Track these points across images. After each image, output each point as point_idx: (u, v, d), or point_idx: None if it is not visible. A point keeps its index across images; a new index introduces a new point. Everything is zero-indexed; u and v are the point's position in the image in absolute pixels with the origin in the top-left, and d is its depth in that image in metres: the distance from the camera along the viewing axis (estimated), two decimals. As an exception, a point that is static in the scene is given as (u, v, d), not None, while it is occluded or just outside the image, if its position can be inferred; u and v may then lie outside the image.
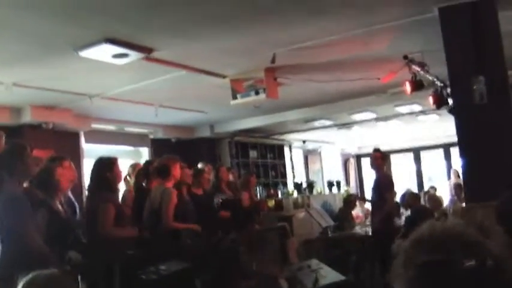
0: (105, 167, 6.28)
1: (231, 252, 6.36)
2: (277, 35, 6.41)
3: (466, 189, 5.93)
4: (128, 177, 8.40)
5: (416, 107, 11.50)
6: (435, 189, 13.94)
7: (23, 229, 4.95)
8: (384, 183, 9.10)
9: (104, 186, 6.21)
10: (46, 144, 8.09)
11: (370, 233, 9.96)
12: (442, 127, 14.84)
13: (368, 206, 12.02)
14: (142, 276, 4.91)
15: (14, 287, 2.14)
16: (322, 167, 18.10)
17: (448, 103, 7.47)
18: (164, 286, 4.77)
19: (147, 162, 8.25)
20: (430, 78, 7.47)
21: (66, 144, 9.63)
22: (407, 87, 7.66)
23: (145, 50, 6.37)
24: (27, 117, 9.13)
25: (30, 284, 2.10)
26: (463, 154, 5.63)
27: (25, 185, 5.42)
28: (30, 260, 4.79)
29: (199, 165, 9.23)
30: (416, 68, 7.35)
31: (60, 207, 6.02)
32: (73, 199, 6.99)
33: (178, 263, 5.21)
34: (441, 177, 17.95)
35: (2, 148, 5.85)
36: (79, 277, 2.26)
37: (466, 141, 5.58)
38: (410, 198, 9.96)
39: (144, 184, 7.68)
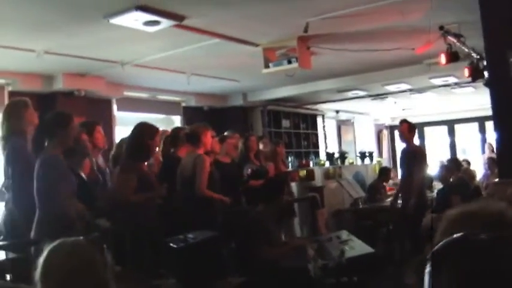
0: (148, 134, 6.15)
1: (259, 223, 6.35)
2: (310, 3, 6.32)
3: (499, 163, 5.84)
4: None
5: (452, 79, 11.35)
6: (469, 163, 13.79)
7: (54, 192, 5.01)
8: (411, 156, 8.99)
9: (139, 153, 6.09)
10: (78, 111, 8.09)
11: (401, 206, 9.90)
12: (477, 100, 14.67)
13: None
14: (170, 244, 4.93)
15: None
16: (355, 138, 18.01)
17: (483, 76, 7.36)
18: (192, 254, 4.78)
19: (176, 129, 8.19)
20: (466, 50, 7.36)
21: (98, 112, 9.66)
22: (443, 58, 7.54)
23: (177, 17, 6.32)
24: (59, 85, 9.17)
25: (54, 252, 2.10)
26: (497, 128, 5.53)
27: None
28: (58, 225, 4.84)
29: (226, 133, 9.15)
30: (452, 39, 7.22)
31: (83, 174, 6.05)
32: (103, 166, 7.02)
33: (206, 232, 5.21)
34: (475, 151, 17.79)
35: (33, 115, 5.87)
36: (105, 246, 2.26)
37: (501, 115, 5.48)
38: (444, 171, 9.82)
39: (172, 151, 7.64)
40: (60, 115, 5.52)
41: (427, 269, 1.19)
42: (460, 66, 8.00)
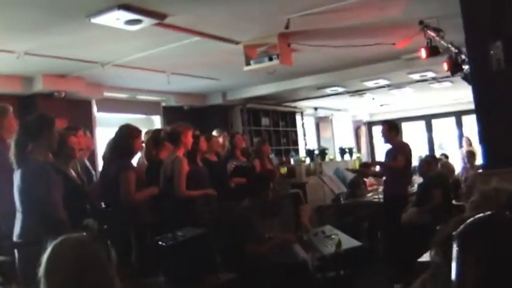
0: (130, 134, 6.36)
1: (244, 219, 6.38)
2: (291, -1, 6.36)
3: (482, 156, 5.90)
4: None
5: (430, 74, 11.43)
6: (447, 157, 13.93)
7: (49, 199, 4.99)
8: (396, 154, 9.08)
9: (125, 153, 6.27)
10: (58, 113, 8.01)
11: (383, 200, 9.98)
12: (455, 95, 14.84)
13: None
14: (159, 242, 4.93)
15: (41, 252, 2.13)
16: (333, 135, 18.10)
17: (462, 69, 7.43)
18: (181, 251, 4.79)
19: (156, 131, 8.25)
20: (445, 44, 7.41)
21: (79, 113, 9.62)
22: (423, 53, 7.60)
23: (159, 16, 6.31)
24: (39, 86, 9.09)
25: (58, 248, 2.10)
26: (479, 121, 5.58)
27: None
28: (52, 227, 4.83)
29: (214, 132, 9.26)
30: (431, 33, 7.28)
31: (75, 175, 6.08)
32: (90, 167, 7.06)
33: (195, 229, 5.23)
34: (452, 145, 17.95)
35: (13, 122, 5.85)
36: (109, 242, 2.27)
37: (483, 107, 5.53)
38: (425, 165, 9.91)
39: (154, 153, 7.68)
40: (43, 117, 5.48)
41: (455, 247, 1.20)
42: (438, 61, 8.07)
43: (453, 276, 1.17)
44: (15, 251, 5.16)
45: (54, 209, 4.99)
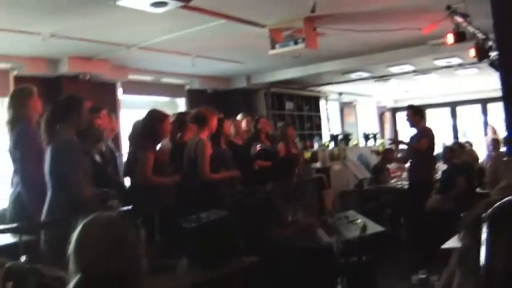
0: (157, 119, 6.44)
1: (268, 203, 6.38)
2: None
3: (506, 143, 5.85)
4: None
5: (456, 60, 11.33)
6: (471, 145, 13.83)
7: (75, 176, 5.05)
8: (421, 135, 9.10)
9: (152, 138, 6.34)
10: (83, 95, 8.02)
11: (407, 186, 9.96)
12: (480, 82, 14.68)
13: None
14: (183, 224, 4.95)
15: (68, 230, 2.15)
16: (357, 120, 18.02)
17: (489, 56, 7.35)
18: (205, 233, 4.80)
19: (182, 114, 8.28)
20: (472, 30, 7.33)
21: (103, 95, 9.64)
22: (450, 38, 7.53)
23: (184, -2, 6.31)
24: (64, 69, 9.12)
25: (89, 226, 2.11)
26: (506, 108, 5.53)
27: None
28: (71, 207, 4.87)
29: (239, 116, 9.27)
30: (458, 19, 7.20)
31: (98, 157, 6.14)
32: (114, 148, 7.11)
33: (219, 212, 5.24)
34: (477, 133, 17.81)
35: (37, 103, 5.92)
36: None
37: (510, 95, 5.47)
38: (449, 152, 9.85)
39: (179, 135, 7.70)
40: (73, 98, 5.56)
41: (485, 230, 1.19)
42: (464, 47, 7.99)
43: (482, 258, 1.16)
44: (41, 230, 5.23)
45: (80, 187, 5.05)
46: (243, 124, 9.20)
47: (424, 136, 9.10)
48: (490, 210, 1.21)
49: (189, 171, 6.90)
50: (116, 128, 7.58)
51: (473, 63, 10.76)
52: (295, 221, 6.47)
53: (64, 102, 5.43)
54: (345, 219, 6.72)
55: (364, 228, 6.05)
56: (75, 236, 2.11)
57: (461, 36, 7.42)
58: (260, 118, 9.50)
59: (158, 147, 6.74)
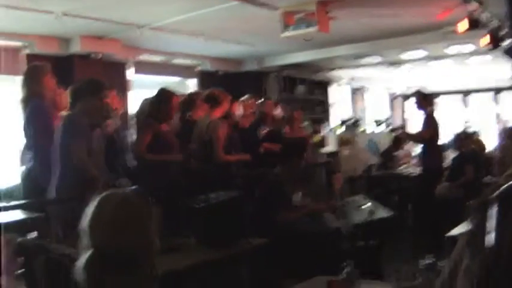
0: (164, 97, 6.42)
1: (276, 186, 6.38)
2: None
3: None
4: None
5: (469, 48, 11.27)
6: (479, 134, 13.80)
7: (83, 154, 5.10)
8: (430, 123, 9.08)
9: (154, 115, 6.33)
10: (94, 74, 8.11)
11: (417, 173, 9.97)
12: (493, 70, 14.58)
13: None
14: (191, 204, 4.97)
15: (76, 207, 2.17)
16: (368, 105, 17.96)
17: (503, 44, 7.33)
18: (213, 214, 4.82)
19: (192, 94, 8.28)
20: (487, 17, 7.30)
21: (114, 75, 9.64)
22: (463, 25, 7.49)
23: (197, -22, 6.30)
24: (76, 47, 9.14)
25: (104, 202, 2.13)
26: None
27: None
28: (79, 182, 4.92)
29: (245, 97, 9.23)
30: (473, 5, 7.17)
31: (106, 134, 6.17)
32: (122, 128, 7.13)
33: (228, 192, 5.25)
34: (488, 121, 17.74)
35: (52, 80, 5.96)
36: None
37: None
38: (459, 140, 9.84)
39: (189, 114, 7.71)
40: (92, 83, 5.62)
41: (494, 209, 1.19)
42: (478, 34, 7.95)
43: (490, 239, 1.17)
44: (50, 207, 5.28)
45: (87, 165, 5.09)
46: (250, 106, 9.17)
47: (429, 125, 9.08)
48: (498, 191, 1.21)
49: (200, 153, 6.91)
50: (122, 108, 7.59)
51: (487, 51, 10.70)
52: (303, 205, 6.46)
53: (84, 85, 5.52)
54: (353, 204, 6.73)
55: (372, 211, 6.06)
56: (89, 211, 2.13)
57: (474, 24, 7.38)
58: (266, 100, 9.49)
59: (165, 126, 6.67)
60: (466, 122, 17.73)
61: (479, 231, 1.21)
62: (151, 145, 6.26)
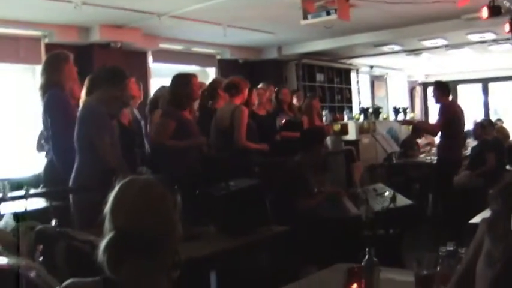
0: (181, 84, 6.32)
1: (296, 173, 6.39)
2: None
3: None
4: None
5: (490, 36, 11.19)
6: (502, 122, 13.70)
7: (101, 143, 5.11)
8: (446, 114, 8.97)
9: (176, 103, 6.28)
10: (114, 63, 8.13)
11: (436, 162, 9.91)
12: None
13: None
14: (211, 192, 4.97)
15: (96, 196, 2.18)
16: (388, 94, 17.89)
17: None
18: (233, 201, 4.82)
19: (214, 81, 8.26)
20: (508, 4, 7.23)
21: (134, 64, 9.66)
22: (484, 12, 7.43)
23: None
24: (95, 37, 9.18)
25: (126, 187, 2.14)
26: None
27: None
28: (97, 171, 4.93)
29: (260, 85, 9.21)
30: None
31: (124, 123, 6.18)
32: (139, 116, 7.13)
33: (247, 180, 5.25)
34: (509, 110, 17.62)
35: (73, 69, 5.96)
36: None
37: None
38: (479, 129, 9.76)
39: (210, 102, 7.71)
40: (113, 71, 5.61)
41: None
42: (499, 22, 7.89)
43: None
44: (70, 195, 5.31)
45: (105, 154, 5.10)
46: (266, 94, 9.13)
47: (443, 116, 8.95)
48: None
49: (219, 140, 6.92)
50: (141, 96, 7.59)
51: (507, 39, 10.60)
52: (323, 191, 6.46)
53: (104, 73, 5.52)
54: (373, 192, 6.72)
55: (393, 198, 6.03)
56: (111, 195, 2.14)
57: (496, 10, 7.32)
58: (282, 89, 9.48)
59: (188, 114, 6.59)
60: (491, 111, 17.66)
61: (500, 216, 1.20)
62: (173, 134, 6.19)
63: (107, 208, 2.13)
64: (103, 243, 2.07)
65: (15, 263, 2.27)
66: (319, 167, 6.80)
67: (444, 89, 9.08)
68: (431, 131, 9.32)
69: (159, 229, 2.11)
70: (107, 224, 2.12)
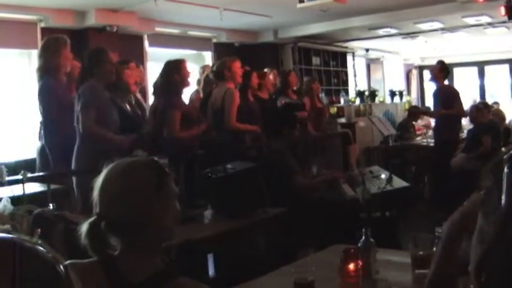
0: (173, 69, 6.30)
1: (275, 157, 6.43)
2: None
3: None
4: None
5: (485, 19, 11.18)
6: (498, 105, 13.73)
7: (87, 121, 5.16)
8: (445, 96, 9.00)
9: (171, 89, 6.27)
10: (110, 47, 8.08)
11: (432, 144, 9.94)
12: (509, 41, 14.47)
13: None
14: (209, 174, 5.00)
15: (91, 180, 2.20)
16: (384, 77, 17.89)
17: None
18: (231, 184, 4.84)
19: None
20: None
21: (130, 48, 9.66)
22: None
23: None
24: (91, 20, 9.12)
25: (110, 170, 2.14)
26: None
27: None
28: (102, 155, 4.95)
29: (265, 70, 9.24)
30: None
31: (129, 108, 6.19)
32: (141, 100, 7.14)
33: (245, 163, 5.27)
34: (504, 93, 17.64)
35: (69, 55, 5.99)
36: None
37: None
38: (475, 112, 9.77)
39: (214, 86, 7.72)
40: (95, 51, 5.66)
41: (505, 169, 1.19)
42: (494, 5, 7.89)
43: (503, 199, 1.17)
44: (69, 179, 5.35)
45: (96, 132, 5.16)
46: (270, 77, 9.15)
47: (441, 99, 8.98)
48: (510, 153, 1.21)
49: (213, 122, 6.93)
50: (143, 79, 7.59)
51: (503, 22, 10.60)
52: (319, 173, 6.49)
53: (88, 55, 5.56)
54: (370, 174, 6.75)
55: (389, 179, 6.07)
56: (101, 176, 2.15)
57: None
58: (290, 72, 9.48)
59: (186, 99, 6.62)
60: (487, 94, 17.66)
61: (493, 191, 1.21)
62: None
63: (96, 189, 2.14)
64: (84, 228, 2.08)
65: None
66: (314, 148, 6.83)
67: (445, 71, 9.11)
68: (455, 115, 9.27)
69: (136, 213, 2.10)
70: (94, 209, 2.14)
